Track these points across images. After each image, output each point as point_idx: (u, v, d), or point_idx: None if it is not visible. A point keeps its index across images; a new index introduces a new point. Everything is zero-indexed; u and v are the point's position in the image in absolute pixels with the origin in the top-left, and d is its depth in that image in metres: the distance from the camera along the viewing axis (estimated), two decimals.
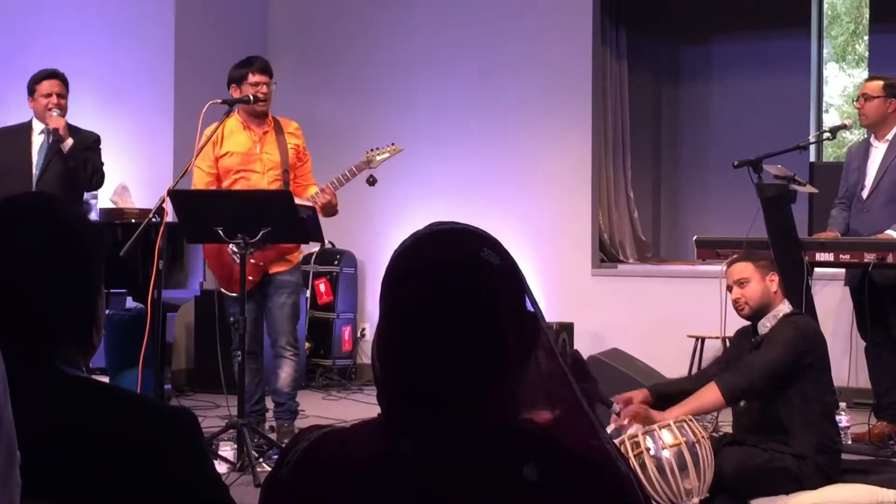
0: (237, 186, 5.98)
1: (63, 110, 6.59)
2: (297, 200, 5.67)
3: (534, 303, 1.59)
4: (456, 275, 1.55)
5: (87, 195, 7.34)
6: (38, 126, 6.64)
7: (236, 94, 5.98)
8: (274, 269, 6.01)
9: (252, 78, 6.01)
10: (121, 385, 6.69)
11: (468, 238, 1.59)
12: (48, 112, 6.51)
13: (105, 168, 6.81)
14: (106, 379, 6.91)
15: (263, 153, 6.04)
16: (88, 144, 6.65)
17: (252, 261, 5.72)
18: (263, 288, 5.97)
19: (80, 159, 6.54)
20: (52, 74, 6.63)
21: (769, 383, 4.77)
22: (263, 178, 5.98)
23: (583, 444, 1.59)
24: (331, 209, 5.97)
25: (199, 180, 6.02)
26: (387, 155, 6.08)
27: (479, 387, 1.54)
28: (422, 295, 1.55)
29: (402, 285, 1.58)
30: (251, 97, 5.94)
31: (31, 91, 6.61)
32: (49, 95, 6.54)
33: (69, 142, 6.48)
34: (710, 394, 4.82)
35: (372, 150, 6.09)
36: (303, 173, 6.13)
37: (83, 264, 1.79)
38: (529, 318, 1.57)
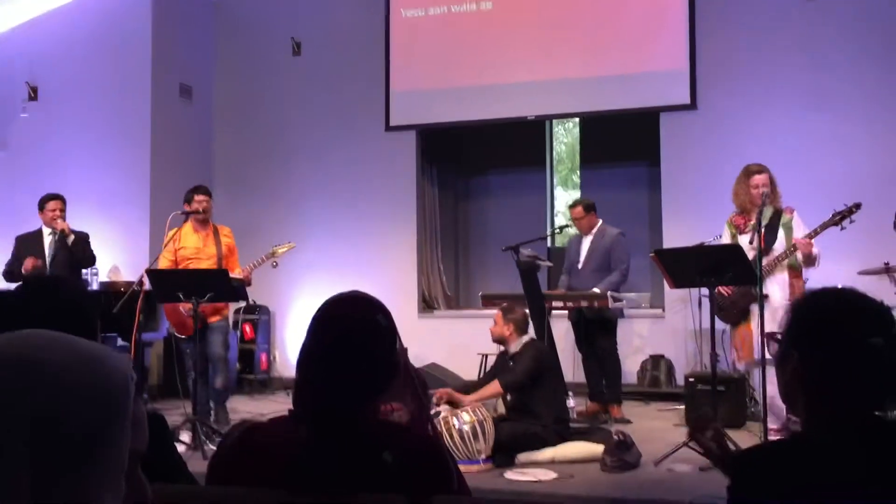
0: (189, 267, 5.84)
1: (63, 219, 6.47)
2: (231, 274, 5.57)
3: (401, 345, 1.62)
4: (357, 328, 1.57)
5: (89, 273, 7.20)
6: (46, 231, 6.50)
7: (188, 209, 5.91)
8: (211, 320, 5.86)
9: (197, 197, 5.92)
10: None
11: (367, 305, 1.61)
12: (56, 220, 6.42)
13: (100, 255, 6.76)
14: None
15: (206, 248, 5.94)
16: (84, 239, 6.52)
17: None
18: (204, 332, 5.81)
19: (81, 247, 6.44)
20: (56, 196, 6.53)
21: (526, 381, 4.91)
22: (206, 263, 5.86)
23: (422, 430, 1.62)
24: (247, 283, 5.81)
25: (163, 264, 5.88)
26: (285, 249, 5.98)
27: (359, 397, 1.54)
28: (332, 337, 1.56)
29: (321, 329, 1.58)
30: (199, 210, 5.86)
31: (42, 208, 6.50)
32: (54, 210, 6.45)
33: (72, 237, 6.39)
34: (494, 387, 4.95)
35: (276, 245, 6.02)
36: (231, 262, 5.97)
37: (83, 325, 1.69)
38: (397, 357, 1.59)
